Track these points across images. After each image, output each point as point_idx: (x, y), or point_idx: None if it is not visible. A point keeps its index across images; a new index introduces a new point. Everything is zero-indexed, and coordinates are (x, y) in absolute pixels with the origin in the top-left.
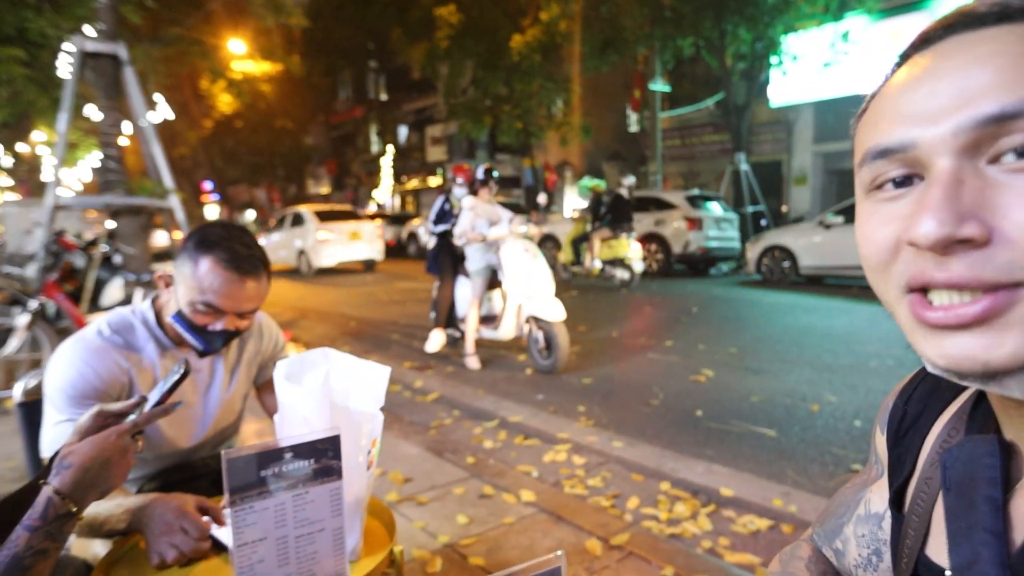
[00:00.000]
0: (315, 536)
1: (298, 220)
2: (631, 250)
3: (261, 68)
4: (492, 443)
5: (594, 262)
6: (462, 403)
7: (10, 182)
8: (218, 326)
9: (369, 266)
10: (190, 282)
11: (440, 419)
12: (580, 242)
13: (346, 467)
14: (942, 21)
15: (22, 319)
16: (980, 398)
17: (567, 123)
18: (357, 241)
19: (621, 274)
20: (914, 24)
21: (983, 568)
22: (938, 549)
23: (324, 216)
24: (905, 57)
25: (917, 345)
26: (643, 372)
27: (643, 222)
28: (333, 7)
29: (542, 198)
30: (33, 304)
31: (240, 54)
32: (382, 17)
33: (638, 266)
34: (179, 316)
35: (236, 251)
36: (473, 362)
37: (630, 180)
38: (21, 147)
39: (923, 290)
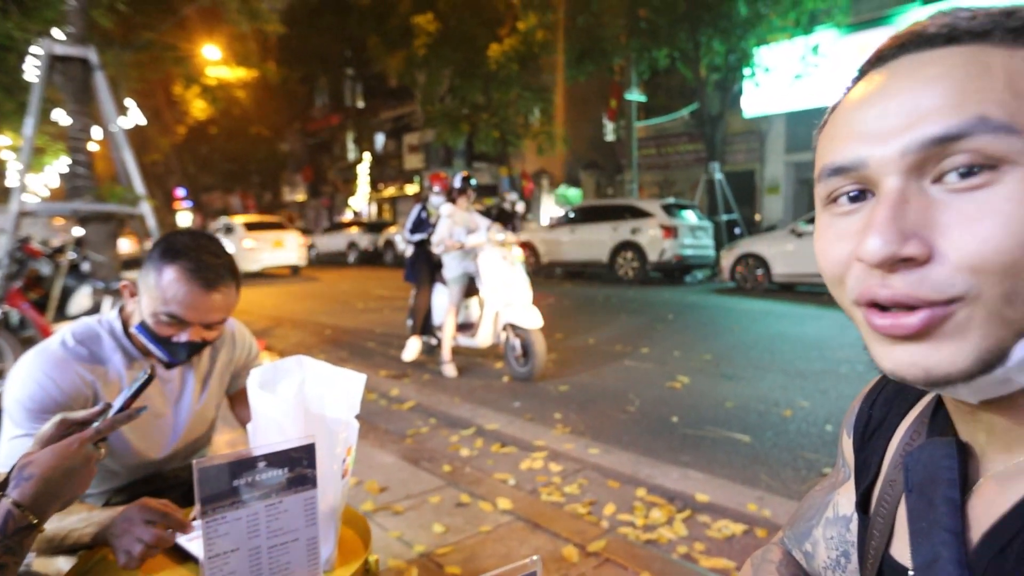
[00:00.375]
0: (289, 546)
1: (229, 230)
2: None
3: (236, 74)
4: (469, 451)
5: None
6: (439, 411)
7: None
8: (183, 337)
9: (295, 271)
10: (154, 292)
11: (416, 427)
12: None
13: (321, 476)
14: (895, 39)
15: None
16: (941, 401)
17: (544, 132)
18: (280, 249)
19: None
20: (882, 38)
21: (943, 566)
22: (902, 549)
23: (251, 226)
24: (863, 72)
25: (871, 350)
26: (619, 379)
27: (619, 230)
28: (310, 14)
29: (520, 206)
30: None
31: (214, 60)
32: (359, 24)
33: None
34: (142, 327)
35: (202, 260)
36: (450, 370)
37: (513, 196)
38: None
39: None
